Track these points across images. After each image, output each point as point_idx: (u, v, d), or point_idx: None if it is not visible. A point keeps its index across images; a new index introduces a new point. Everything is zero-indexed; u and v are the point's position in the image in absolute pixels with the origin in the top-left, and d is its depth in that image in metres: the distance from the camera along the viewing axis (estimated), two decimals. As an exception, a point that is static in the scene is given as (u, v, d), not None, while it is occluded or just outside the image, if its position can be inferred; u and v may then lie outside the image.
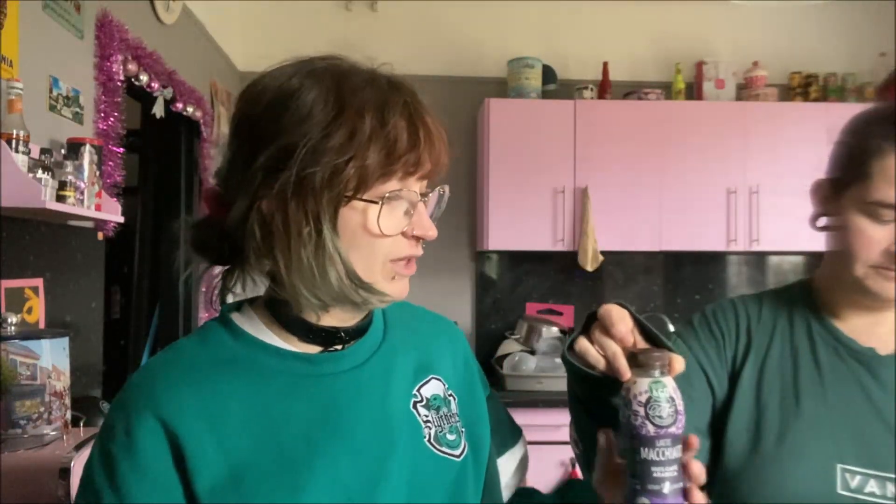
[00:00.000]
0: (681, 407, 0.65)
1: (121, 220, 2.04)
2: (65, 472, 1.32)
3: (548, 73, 3.49)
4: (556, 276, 3.66)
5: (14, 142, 1.50)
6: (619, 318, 0.71)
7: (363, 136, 0.66)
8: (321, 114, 0.66)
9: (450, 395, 0.81)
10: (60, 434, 1.48)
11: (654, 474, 0.64)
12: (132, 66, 2.23)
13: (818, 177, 0.98)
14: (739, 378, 0.97)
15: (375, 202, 0.68)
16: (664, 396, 0.64)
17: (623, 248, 3.39)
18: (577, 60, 3.70)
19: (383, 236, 0.69)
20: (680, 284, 3.73)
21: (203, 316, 3.02)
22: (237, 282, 0.76)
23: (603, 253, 3.31)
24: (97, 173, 1.81)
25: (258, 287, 0.75)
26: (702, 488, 1.00)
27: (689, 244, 3.38)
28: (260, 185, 0.68)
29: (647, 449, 0.64)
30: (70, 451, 1.36)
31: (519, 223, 3.31)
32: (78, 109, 1.96)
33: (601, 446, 0.67)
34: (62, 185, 1.64)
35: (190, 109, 2.75)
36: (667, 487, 0.64)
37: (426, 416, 0.76)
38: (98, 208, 1.82)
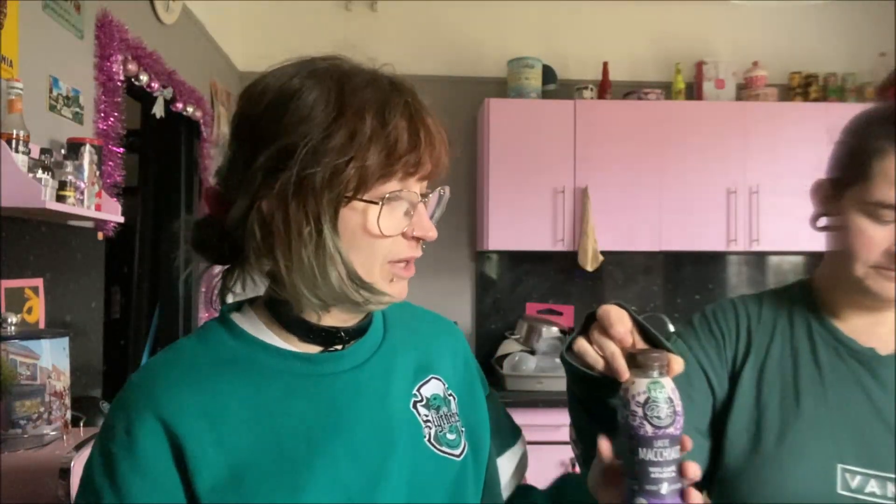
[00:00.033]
0: (679, 408, 0.65)
1: (121, 220, 2.04)
2: (65, 472, 1.32)
3: (548, 73, 3.49)
4: (556, 276, 3.66)
5: (14, 142, 1.50)
6: (618, 318, 0.71)
7: (364, 136, 0.66)
8: (322, 114, 0.66)
9: (450, 395, 0.81)
10: (60, 434, 1.48)
11: (652, 475, 0.64)
12: (132, 66, 2.23)
13: (818, 177, 0.98)
14: (739, 378, 0.97)
15: (375, 203, 0.68)
16: (662, 397, 0.64)
17: (623, 248, 3.39)
18: (577, 60, 3.70)
19: (383, 237, 0.69)
20: (680, 284, 3.73)
21: (203, 316, 3.02)
22: (237, 281, 0.76)
23: (603, 253, 3.31)
24: (97, 173, 1.81)
25: (258, 287, 0.75)
26: (702, 488, 1.01)
27: (689, 244, 3.38)
28: (260, 185, 0.68)
29: (645, 449, 0.64)
30: (70, 451, 1.36)
31: (519, 223, 3.31)
32: (78, 109, 1.96)
33: (600, 453, 0.66)
34: (62, 185, 1.64)
35: (190, 109, 2.75)
36: (664, 488, 0.63)
37: (426, 416, 0.76)
38: (98, 208, 1.82)
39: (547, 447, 2.72)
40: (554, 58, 3.60)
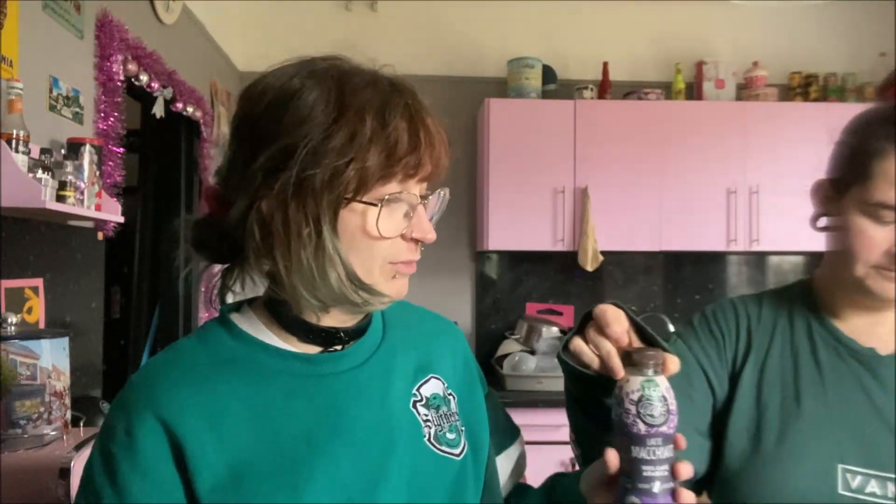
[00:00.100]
0: (673, 407, 0.65)
1: (121, 220, 2.04)
2: (65, 472, 1.32)
3: (548, 73, 3.49)
4: (556, 276, 3.66)
5: (14, 142, 1.50)
6: (615, 318, 0.71)
7: (364, 138, 0.66)
8: (322, 115, 0.66)
9: (449, 395, 0.81)
10: (60, 434, 1.48)
11: (645, 473, 0.64)
12: (132, 66, 2.23)
13: (818, 177, 0.98)
14: (740, 378, 0.97)
15: (375, 204, 0.68)
16: (656, 395, 0.64)
17: (623, 248, 3.39)
18: (577, 60, 3.70)
19: (382, 238, 0.69)
20: (680, 284, 3.73)
21: (203, 316, 3.02)
22: (236, 281, 0.76)
23: (603, 253, 3.31)
24: (97, 173, 1.81)
25: (257, 287, 0.75)
26: (702, 489, 1.01)
27: (689, 244, 3.38)
28: (260, 186, 0.68)
29: (637, 447, 0.64)
30: (70, 451, 1.36)
31: (519, 223, 3.31)
32: (78, 109, 1.96)
33: (607, 464, 0.66)
34: (62, 185, 1.64)
35: (190, 109, 2.75)
36: (657, 487, 0.63)
37: (426, 416, 0.76)
38: (98, 208, 1.82)
39: (547, 447, 2.72)
40: (554, 58, 3.60)
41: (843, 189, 0.92)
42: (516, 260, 3.67)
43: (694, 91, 3.62)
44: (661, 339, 0.72)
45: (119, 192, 2.07)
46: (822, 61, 3.72)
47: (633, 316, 0.73)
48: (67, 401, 1.53)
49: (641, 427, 0.64)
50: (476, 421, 0.82)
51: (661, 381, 0.66)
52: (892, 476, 0.86)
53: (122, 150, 2.12)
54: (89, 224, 2.04)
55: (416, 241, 0.73)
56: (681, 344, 1.00)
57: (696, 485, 0.99)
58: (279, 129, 0.67)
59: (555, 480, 0.87)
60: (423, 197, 0.73)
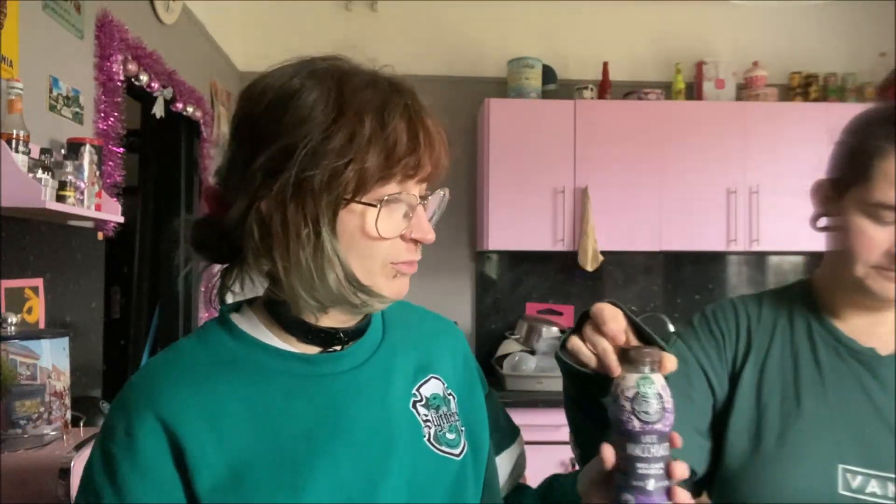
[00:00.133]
0: (669, 405, 0.65)
1: (121, 220, 2.04)
2: (65, 472, 1.32)
3: (548, 73, 3.49)
4: (556, 276, 3.66)
5: (14, 142, 1.50)
6: (611, 316, 0.71)
7: (363, 138, 0.66)
8: (321, 115, 0.66)
9: (449, 395, 0.81)
10: (60, 434, 1.48)
11: (639, 470, 0.64)
12: (132, 66, 2.23)
13: (818, 177, 0.98)
14: (740, 378, 0.97)
15: (374, 205, 0.68)
16: (651, 392, 0.64)
17: (623, 248, 3.39)
18: (577, 60, 3.70)
19: (381, 239, 0.69)
20: (680, 284, 3.73)
21: (203, 316, 3.02)
22: (236, 281, 0.76)
23: (603, 253, 3.31)
24: (97, 173, 1.81)
25: (257, 287, 0.75)
26: (702, 489, 1.01)
27: (689, 244, 3.38)
28: (259, 186, 0.68)
29: (632, 444, 0.64)
30: (70, 451, 1.36)
31: (519, 223, 3.31)
32: (78, 109, 1.96)
33: (603, 460, 0.66)
34: (62, 185, 1.64)
35: (190, 109, 2.75)
36: (651, 484, 0.63)
37: (426, 416, 0.76)
38: (98, 208, 1.82)
39: (547, 447, 2.72)
40: (554, 58, 3.60)
41: (843, 189, 0.92)
42: (516, 260, 3.67)
43: (694, 91, 3.62)
44: (660, 339, 0.72)
45: (119, 192, 2.07)
46: (822, 61, 3.72)
47: (631, 315, 0.73)
48: (67, 401, 1.53)
49: (636, 424, 0.64)
50: (476, 421, 0.82)
51: (658, 378, 0.66)
52: (893, 476, 0.86)
53: (122, 150, 2.12)
54: (89, 224, 2.04)
55: (416, 241, 0.73)
56: (681, 344, 1.00)
57: (696, 485, 0.99)
58: (279, 130, 0.67)
59: (552, 481, 0.87)
60: (423, 197, 0.73)
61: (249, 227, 0.68)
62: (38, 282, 1.77)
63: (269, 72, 0.72)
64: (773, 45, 3.75)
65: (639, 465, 0.64)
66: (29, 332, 1.53)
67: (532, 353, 3.23)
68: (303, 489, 0.66)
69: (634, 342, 0.72)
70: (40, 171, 1.57)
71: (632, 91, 3.50)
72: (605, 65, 3.57)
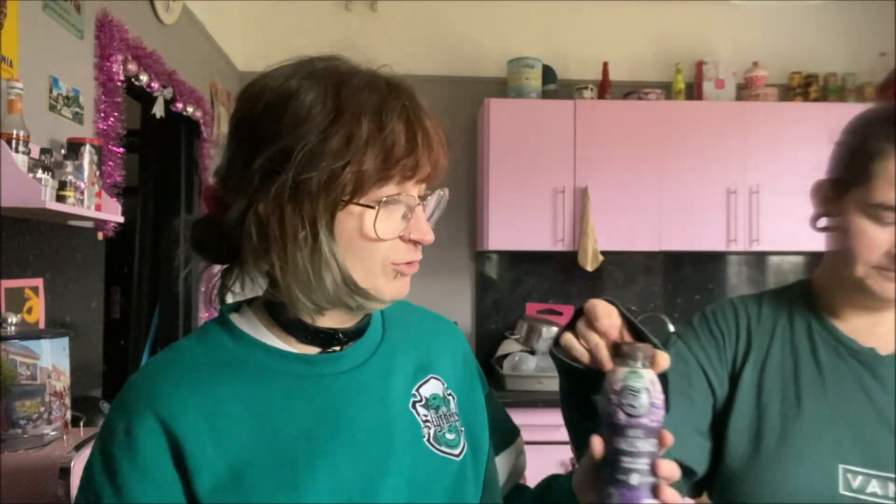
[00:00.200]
0: (658, 401, 0.65)
1: (121, 220, 2.04)
2: (65, 472, 1.32)
3: (548, 73, 3.49)
4: (556, 276, 3.66)
5: (14, 142, 1.50)
6: (605, 312, 0.71)
7: (360, 140, 0.65)
8: (319, 116, 0.66)
9: (449, 395, 0.81)
10: (60, 434, 1.48)
11: (623, 464, 0.64)
12: (132, 66, 2.23)
13: (818, 177, 0.98)
14: (740, 379, 0.97)
15: (372, 207, 0.68)
16: (639, 386, 0.64)
17: (623, 248, 3.39)
18: (577, 60, 3.70)
19: (380, 240, 0.69)
20: (680, 284, 3.73)
21: (203, 316, 3.02)
22: (236, 281, 0.75)
23: (603, 253, 3.31)
24: (97, 173, 1.81)
25: (256, 287, 0.75)
26: (702, 489, 1.01)
27: (689, 244, 3.38)
28: (257, 188, 0.67)
29: (618, 438, 0.64)
30: (70, 451, 1.36)
31: (519, 223, 3.31)
32: (78, 109, 1.96)
33: (591, 451, 0.66)
34: (62, 185, 1.64)
35: (190, 109, 2.75)
36: (635, 479, 0.63)
37: (425, 416, 0.76)
38: (98, 208, 1.82)
39: (547, 447, 2.72)
40: (554, 58, 3.60)
41: (843, 189, 0.92)
42: (516, 260, 3.67)
43: (694, 91, 3.62)
44: (654, 337, 0.72)
45: (119, 192, 2.07)
46: (822, 61, 3.71)
47: (627, 313, 0.73)
48: (67, 401, 1.53)
49: (622, 417, 0.64)
50: (476, 421, 0.82)
51: (647, 373, 0.66)
52: (893, 476, 0.86)
53: (122, 150, 2.12)
54: (89, 224, 2.04)
55: (416, 242, 0.73)
56: (681, 344, 1.00)
57: (697, 485, 0.99)
58: (277, 130, 0.67)
59: (551, 481, 0.87)
60: (422, 197, 0.73)
61: (248, 229, 0.68)
62: (38, 282, 1.77)
63: (268, 72, 0.72)
64: (773, 45, 3.75)
65: (623, 458, 0.64)
66: (29, 332, 1.53)
67: (532, 353, 3.23)
68: (303, 489, 0.66)
69: (629, 339, 0.72)
70: (40, 171, 1.57)
71: (632, 91, 3.50)
72: (605, 65, 3.57)
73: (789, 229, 3.23)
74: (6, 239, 1.63)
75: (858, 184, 0.89)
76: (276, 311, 0.73)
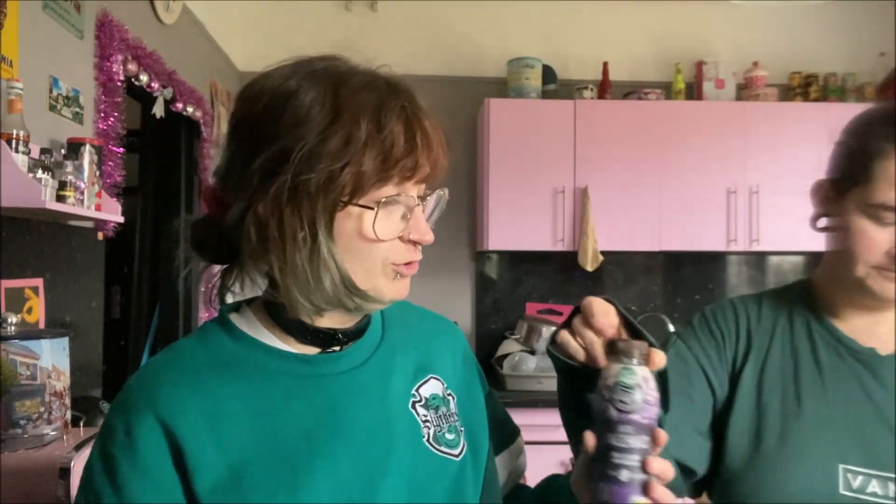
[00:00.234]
0: (651, 398, 0.65)
1: (121, 220, 2.04)
2: (65, 472, 1.32)
3: (548, 73, 3.49)
4: (556, 276, 3.66)
5: (14, 142, 1.50)
6: (602, 310, 0.71)
7: (359, 141, 0.65)
8: (318, 117, 0.66)
9: (449, 395, 0.81)
10: (60, 434, 1.48)
11: (613, 460, 0.63)
12: (132, 66, 2.23)
13: (818, 177, 0.98)
14: (740, 379, 0.97)
15: (371, 207, 0.68)
16: (631, 382, 0.64)
17: (623, 248, 3.39)
18: (577, 60, 3.70)
19: (379, 241, 0.69)
20: (680, 284, 3.73)
21: (203, 316, 3.02)
22: (235, 281, 0.75)
23: (603, 253, 3.31)
24: (97, 173, 1.81)
25: (256, 287, 0.75)
26: (702, 489, 1.01)
27: (689, 244, 3.38)
28: (256, 188, 0.67)
29: (608, 433, 0.64)
30: (70, 451, 1.36)
31: (519, 223, 3.31)
32: (78, 109, 1.96)
33: (585, 447, 0.66)
34: (62, 185, 1.64)
35: (190, 109, 2.75)
36: (624, 475, 0.63)
37: (425, 416, 0.76)
38: (98, 208, 1.82)
39: (547, 447, 2.72)
40: (554, 58, 3.60)
41: (843, 190, 0.92)
42: (516, 260, 3.67)
43: (694, 91, 3.62)
44: (651, 337, 0.72)
45: (119, 192, 2.07)
46: (822, 61, 3.71)
47: (624, 312, 0.73)
48: (67, 401, 1.53)
49: (613, 412, 0.64)
50: (475, 421, 0.82)
51: (641, 370, 0.65)
52: (893, 476, 0.86)
53: (122, 150, 2.12)
54: (89, 224, 2.04)
55: (415, 242, 0.73)
56: (681, 344, 1.00)
57: (697, 485, 0.99)
58: (276, 131, 0.67)
59: (550, 481, 0.87)
60: (422, 198, 0.73)
61: (247, 229, 0.68)
62: (38, 282, 1.77)
63: (267, 72, 0.72)
64: (773, 45, 3.75)
65: (613, 454, 0.64)
66: (29, 332, 1.53)
67: (532, 353, 3.23)
68: (302, 489, 0.66)
69: (625, 337, 0.72)
70: (40, 171, 1.57)
71: (632, 91, 3.50)
72: (605, 65, 3.57)
73: (789, 229, 3.23)
74: (6, 239, 1.63)
75: (858, 184, 0.88)
76: (276, 312, 0.73)
